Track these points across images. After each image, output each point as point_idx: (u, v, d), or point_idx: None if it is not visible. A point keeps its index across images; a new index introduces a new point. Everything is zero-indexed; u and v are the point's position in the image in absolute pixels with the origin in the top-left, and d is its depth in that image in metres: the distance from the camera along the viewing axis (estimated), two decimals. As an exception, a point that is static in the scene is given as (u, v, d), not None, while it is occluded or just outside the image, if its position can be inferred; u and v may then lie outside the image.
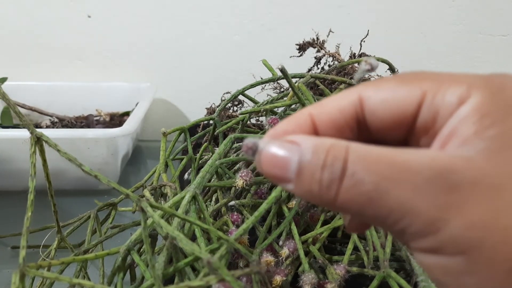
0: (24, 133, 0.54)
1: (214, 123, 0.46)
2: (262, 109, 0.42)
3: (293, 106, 0.43)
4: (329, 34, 0.55)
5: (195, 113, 0.84)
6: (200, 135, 0.50)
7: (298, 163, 0.17)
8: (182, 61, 0.80)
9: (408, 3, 0.77)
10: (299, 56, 0.54)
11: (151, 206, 0.25)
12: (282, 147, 0.17)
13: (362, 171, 0.15)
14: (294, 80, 0.44)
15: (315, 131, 0.19)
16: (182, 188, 0.38)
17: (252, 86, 0.44)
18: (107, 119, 0.75)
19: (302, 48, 0.53)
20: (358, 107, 0.18)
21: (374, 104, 0.18)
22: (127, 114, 0.72)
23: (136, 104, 0.68)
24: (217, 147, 0.40)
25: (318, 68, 0.55)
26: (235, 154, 0.43)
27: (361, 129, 0.19)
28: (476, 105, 0.16)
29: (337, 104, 0.19)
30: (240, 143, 0.45)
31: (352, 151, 0.16)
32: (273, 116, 0.41)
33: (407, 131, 0.18)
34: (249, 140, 0.18)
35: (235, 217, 0.36)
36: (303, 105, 0.35)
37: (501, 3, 0.76)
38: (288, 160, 0.17)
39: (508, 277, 0.15)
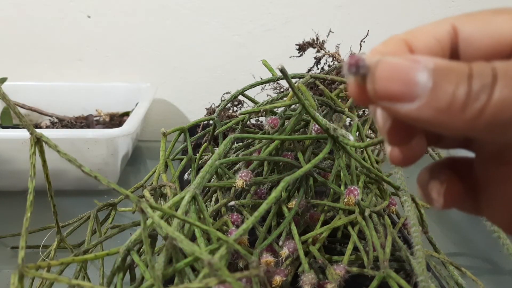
0: (24, 134, 0.54)
1: (214, 123, 0.46)
2: (262, 109, 0.42)
3: (293, 106, 0.43)
4: (329, 34, 0.55)
5: (195, 113, 0.84)
6: (200, 135, 0.50)
7: (432, 75, 0.14)
8: (182, 61, 0.80)
9: (408, 3, 0.77)
10: (299, 56, 0.54)
11: (151, 207, 0.25)
12: (405, 59, 0.15)
13: None
14: (294, 80, 0.44)
15: None
16: (182, 188, 0.38)
17: (252, 86, 0.44)
18: (107, 119, 0.75)
19: (302, 48, 0.53)
20: (453, 36, 0.17)
21: (469, 33, 0.17)
22: (127, 114, 0.72)
23: (136, 104, 0.68)
24: (217, 147, 0.40)
25: (318, 68, 0.55)
26: (235, 154, 0.43)
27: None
28: None
29: (433, 32, 0.18)
30: (240, 143, 0.45)
31: (498, 63, 0.14)
32: (273, 116, 0.41)
33: None
34: (352, 55, 0.16)
35: (235, 217, 0.36)
36: (303, 105, 0.34)
37: (501, 3, 0.75)
38: (416, 73, 0.15)
39: None
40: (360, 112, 0.50)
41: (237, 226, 0.35)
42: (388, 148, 0.19)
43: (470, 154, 0.20)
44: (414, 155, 0.19)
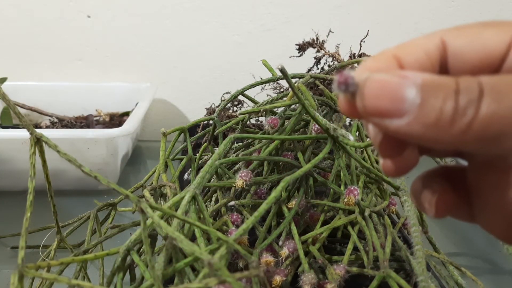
0: (24, 134, 0.54)
1: (214, 123, 0.46)
2: (262, 109, 0.42)
3: (293, 106, 0.43)
4: (329, 34, 0.55)
5: (195, 113, 0.84)
6: (200, 135, 0.50)
7: (420, 90, 0.15)
8: (182, 61, 0.80)
9: (408, 3, 0.77)
10: (299, 56, 0.54)
11: (151, 207, 0.25)
12: (393, 76, 0.15)
13: (501, 89, 0.14)
14: (294, 80, 0.44)
15: None
16: (182, 188, 0.38)
17: (252, 86, 0.44)
18: (107, 119, 0.75)
19: (302, 48, 0.53)
20: (442, 50, 0.18)
21: (458, 47, 0.17)
22: (127, 114, 0.72)
23: (136, 104, 0.68)
24: (217, 147, 0.40)
25: (318, 68, 0.55)
26: (235, 154, 0.43)
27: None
28: None
29: (422, 47, 0.18)
30: (240, 143, 0.45)
31: (484, 78, 0.15)
32: (273, 116, 0.41)
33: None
34: (343, 73, 0.16)
35: (234, 217, 0.36)
36: (303, 105, 0.34)
37: (501, 3, 0.76)
38: (404, 89, 0.15)
39: None
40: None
41: (237, 226, 0.35)
42: (381, 160, 0.19)
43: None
44: (407, 166, 0.19)
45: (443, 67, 0.18)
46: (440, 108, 0.14)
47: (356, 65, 0.50)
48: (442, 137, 0.15)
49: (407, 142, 0.18)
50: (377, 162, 0.42)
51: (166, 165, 0.42)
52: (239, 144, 0.45)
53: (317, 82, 0.46)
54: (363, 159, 0.42)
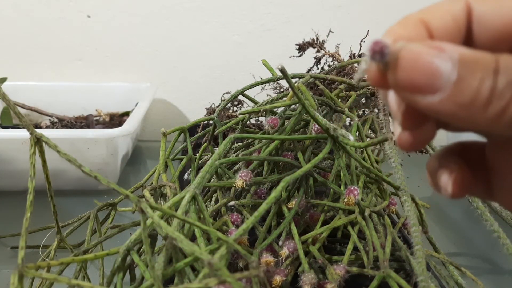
0: (24, 134, 0.54)
1: (214, 123, 0.46)
2: (262, 109, 0.42)
3: (293, 106, 0.43)
4: (329, 34, 0.55)
5: (195, 113, 0.84)
6: (200, 135, 0.50)
7: (457, 66, 0.14)
8: (182, 61, 0.80)
9: (408, 3, 0.77)
10: (299, 56, 0.54)
11: (151, 207, 0.25)
12: (430, 47, 0.14)
13: None
14: (294, 80, 0.44)
15: (431, 39, 0.17)
16: (182, 188, 0.38)
17: (252, 86, 0.44)
18: (107, 119, 0.75)
19: (302, 48, 0.53)
20: (468, 15, 0.17)
21: (482, 13, 0.17)
22: (127, 114, 0.72)
23: (136, 104, 0.68)
24: (217, 147, 0.40)
25: (318, 68, 0.55)
26: (235, 154, 0.43)
27: (465, 43, 0.17)
28: None
29: (449, 11, 0.17)
30: (240, 143, 0.45)
31: None
32: (273, 116, 0.41)
33: None
34: (376, 41, 0.15)
35: (234, 217, 0.36)
36: (303, 105, 0.34)
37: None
38: (440, 64, 0.14)
39: None
40: (360, 112, 0.50)
41: (237, 226, 0.35)
42: (397, 130, 0.18)
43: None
44: (424, 140, 0.18)
45: (468, 33, 0.17)
46: (477, 88, 0.14)
47: (356, 65, 0.50)
48: (475, 119, 0.14)
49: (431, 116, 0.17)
50: (377, 162, 0.42)
51: (166, 165, 0.42)
52: (239, 144, 0.45)
53: (317, 82, 0.46)
54: (363, 159, 0.42)
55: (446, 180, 0.19)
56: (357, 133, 0.42)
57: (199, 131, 0.60)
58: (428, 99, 0.14)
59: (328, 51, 0.53)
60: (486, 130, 0.15)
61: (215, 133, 0.46)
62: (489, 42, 0.17)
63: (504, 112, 0.14)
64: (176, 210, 0.29)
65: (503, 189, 0.18)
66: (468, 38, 0.17)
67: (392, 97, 0.18)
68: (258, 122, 0.64)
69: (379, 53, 0.15)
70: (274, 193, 0.29)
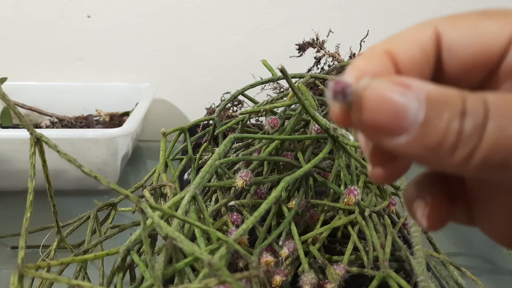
0: (24, 134, 0.54)
1: (214, 123, 0.46)
2: (262, 109, 0.42)
3: (293, 106, 0.43)
4: (329, 34, 0.55)
5: (195, 113, 0.84)
6: (200, 135, 0.50)
7: (424, 107, 0.13)
8: (182, 61, 0.80)
9: (408, 3, 0.77)
10: (299, 56, 0.54)
11: (151, 207, 0.25)
12: (394, 87, 0.13)
13: (506, 112, 0.13)
14: (294, 80, 0.44)
15: (398, 72, 0.16)
16: (182, 188, 0.38)
17: (252, 86, 0.44)
18: (107, 119, 0.75)
19: (302, 48, 0.53)
20: (436, 43, 0.16)
21: (453, 40, 0.16)
22: (127, 114, 0.72)
23: (136, 104, 0.68)
24: (217, 147, 0.40)
25: (318, 68, 0.55)
26: (235, 154, 0.43)
27: (435, 72, 0.16)
28: None
29: (417, 40, 0.16)
30: (240, 143, 0.45)
31: (489, 97, 0.13)
32: (273, 116, 0.41)
33: (487, 74, 0.16)
34: (337, 81, 0.14)
35: (234, 217, 0.36)
36: (303, 105, 0.34)
37: (501, 3, 0.76)
38: (407, 105, 0.13)
39: None
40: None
41: (237, 226, 0.35)
42: (369, 167, 0.17)
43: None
44: (397, 173, 0.17)
45: (438, 62, 0.16)
46: (444, 131, 0.13)
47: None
48: (442, 162, 0.13)
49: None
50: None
51: (166, 165, 0.42)
52: (239, 144, 0.45)
53: (317, 82, 0.46)
54: (363, 159, 0.42)
55: (421, 214, 0.18)
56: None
57: (199, 131, 0.60)
58: (394, 141, 0.14)
59: (328, 51, 0.53)
60: (455, 172, 0.14)
61: (215, 133, 0.46)
62: (459, 71, 0.16)
63: (471, 157, 0.13)
64: (176, 210, 0.29)
65: (486, 217, 0.18)
66: (438, 67, 0.16)
67: (360, 136, 0.17)
68: (258, 122, 0.64)
69: (341, 93, 0.14)
70: (274, 193, 0.29)
